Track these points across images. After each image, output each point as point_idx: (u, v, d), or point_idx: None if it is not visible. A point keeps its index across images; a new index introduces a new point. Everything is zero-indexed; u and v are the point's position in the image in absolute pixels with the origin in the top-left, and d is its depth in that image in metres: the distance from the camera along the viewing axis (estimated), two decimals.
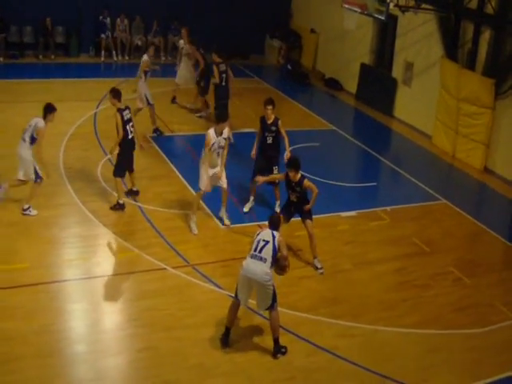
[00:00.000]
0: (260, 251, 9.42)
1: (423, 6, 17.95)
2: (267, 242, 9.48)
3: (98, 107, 18.99)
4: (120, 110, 13.09)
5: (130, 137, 13.17)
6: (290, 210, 12.26)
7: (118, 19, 24.38)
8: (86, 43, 24.22)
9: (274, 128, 13.48)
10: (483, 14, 17.73)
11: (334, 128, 19.94)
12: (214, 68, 17.37)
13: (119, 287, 11.19)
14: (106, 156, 15.57)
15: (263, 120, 13.58)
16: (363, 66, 23.34)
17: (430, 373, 9.76)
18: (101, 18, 24.11)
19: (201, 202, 13.52)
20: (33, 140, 12.42)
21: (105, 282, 11.20)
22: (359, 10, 18.15)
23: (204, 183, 12.72)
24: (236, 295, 9.66)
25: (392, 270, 12.46)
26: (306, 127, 19.48)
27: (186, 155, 16.78)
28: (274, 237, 9.52)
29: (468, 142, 18.35)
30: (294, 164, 11.80)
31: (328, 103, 23.09)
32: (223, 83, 17.43)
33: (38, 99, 18.27)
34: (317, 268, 12.08)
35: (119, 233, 12.48)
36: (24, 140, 12.48)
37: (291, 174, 11.78)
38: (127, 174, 13.67)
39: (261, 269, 9.31)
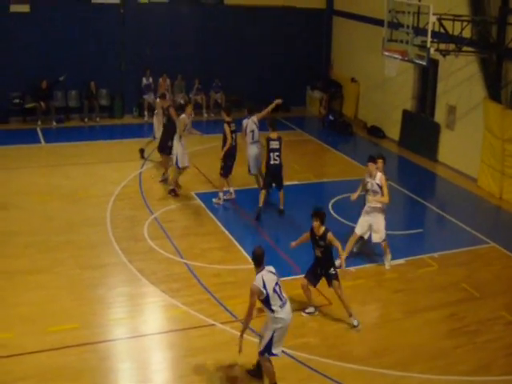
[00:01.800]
0: (282, 294, 9.71)
1: (464, 48, 17.93)
2: (277, 283, 9.72)
3: (142, 167, 19.29)
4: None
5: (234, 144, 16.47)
6: (317, 272, 11.92)
7: (161, 79, 24.87)
8: (130, 104, 24.74)
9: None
10: None
11: None
12: (226, 127, 16.46)
13: (167, 345, 11.20)
14: (151, 215, 15.79)
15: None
16: (405, 113, 23.35)
17: None
18: (143, 78, 24.64)
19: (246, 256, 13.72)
20: None
21: (153, 340, 11.28)
22: (400, 57, 18.17)
23: None
24: (271, 352, 9.67)
25: (443, 316, 12.25)
26: (351, 177, 19.42)
27: (229, 210, 16.88)
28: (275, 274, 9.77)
29: None
30: (318, 214, 11.50)
31: (371, 152, 23.06)
32: (233, 143, 16.76)
33: (84, 161, 18.84)
34: (354, 326, 11.77)
35: (167, 290, 12.54)
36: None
37: (316, 225, 11.45)
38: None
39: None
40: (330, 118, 25.63)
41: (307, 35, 27.48)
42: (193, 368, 10.35)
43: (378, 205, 13.58)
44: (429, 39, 16.81)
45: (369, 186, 13.47)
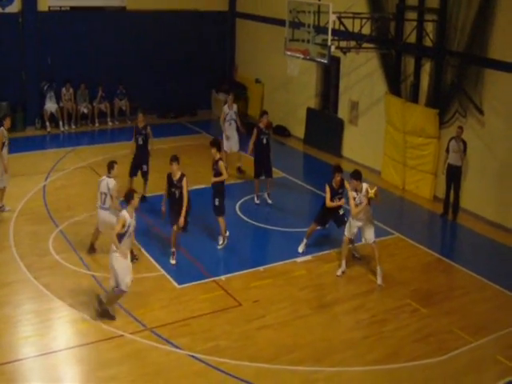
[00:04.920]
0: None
1: (364, 45, 18.30)
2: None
3: (46, 179, 18.92)
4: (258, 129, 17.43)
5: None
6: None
7: (64, 89, 24.36)
8: (31, 116, 24.19)
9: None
10: (422, 46, 18.26)
11: (285, 175, 20.05)
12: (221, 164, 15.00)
13: (78, 359, 10.99)
14: (57, 228, 15.52)
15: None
16: (309, 110, 23.67)
17: None
18: (45, 88, 24.12)
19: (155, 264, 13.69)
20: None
21: (63, 356, 11.04)
22: (302, 56, 18.35)
23: None
24: None
25: (350, 309, 12.55)
26: None
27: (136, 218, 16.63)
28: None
29: (416, 173, 18.68)
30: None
31: (277, 151, 23.25)
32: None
33: None
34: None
35: (75, 304, 12.32)
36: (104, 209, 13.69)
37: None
38: None
39: None
40: None
41: (211, 38, 27.45)
42: (104, 381, 10.22)
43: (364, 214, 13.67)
44: (329, 37, 17.08)
45: (357, 200, 13.54)
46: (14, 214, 16.22)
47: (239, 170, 19.96)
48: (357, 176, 13.54)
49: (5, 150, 16.36)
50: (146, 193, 17.32)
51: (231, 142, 19.68)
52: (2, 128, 16.43)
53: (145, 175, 17.34)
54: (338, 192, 14.23)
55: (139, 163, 17.22)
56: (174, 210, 13.85)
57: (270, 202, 17.68)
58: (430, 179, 18.24)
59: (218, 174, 14.50)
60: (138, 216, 16.14)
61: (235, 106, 20.03)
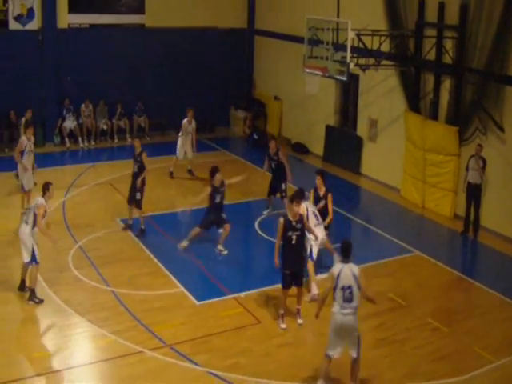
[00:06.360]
0: (350, 301, 9.83)
1: (383, 62, 18.31)
2: (351, 288, 9.82)
3: (66, 195, 19.00)
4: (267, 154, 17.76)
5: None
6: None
7: (83, 105, 24.58)
8: (50, 132, 24.32)
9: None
10: (442, 64, 18.21)
11: None
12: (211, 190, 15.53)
13: (98, 375, 10.98)
14: (76, 244, 15.56)
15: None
16: (328, 128, 23.67)
17: None
18: (64, 105, 24.29)
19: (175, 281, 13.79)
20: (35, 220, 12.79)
21: (83, 372, 11.02)
22: (320, 73, 18.39)
23: None
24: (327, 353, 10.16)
25: (371, 327, 12.39)
26: None
27: (156, 235, 16.71)
28: (355, 278, 9.84)
29: (436, 190, 18.56)
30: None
31: (296, 168, 23.27)
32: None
33: (4, 193, 18.46)
34: None
35: (94, 320, 12.32)
36: (26, 222, 12.85)
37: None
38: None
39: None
40: (255, 136, 25.74)
41: (229, 55, 27.66)
42: None
43: None
44: (348, 55, 17.14)
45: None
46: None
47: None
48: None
49: (26, 157, 16.91)
50: (142, 224, 16.55)
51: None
52: (23, 137, 16.72)
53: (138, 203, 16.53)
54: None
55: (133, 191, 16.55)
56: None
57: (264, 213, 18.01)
58: (450, 197, 18.13)
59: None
60: (158, 233, 16.33)
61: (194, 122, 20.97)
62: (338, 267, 9.99)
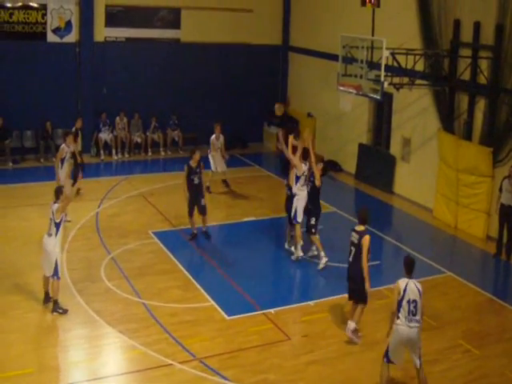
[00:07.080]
0: (415, 314, 10.21)
1: (417, 81, 18.27)
2: (416, 302, 10.22)
3: (99, 206, 19.20)
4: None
5: None
6: None
7: (118, 118, 24.88)
8: (87, 144, 24.57)
9: None
10: (477, 84, 18.11)
11: (335, 209, 20.02)
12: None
13: None
14: (108, 255, 15.70)
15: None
16: (361, 146, 23.64)
17: None
18: (100, 118, 24.59)
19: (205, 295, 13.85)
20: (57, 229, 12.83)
21: (112, 383, 11.09)
22: (354, 92, 18.39)
23: None
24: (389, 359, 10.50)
25: None
26: None
27: (188, 248, 16.82)
28: (420, 293, 10.26)
29: (469, 211, 18.41)
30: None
31: (328, 185, 23.25)
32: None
33: (40, 203, 18.63)
34: None
35: (124, 331, 12.41)
36: (49, 235, 12.86)
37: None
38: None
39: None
40: None
41: (264, 71, 27.82)
42: None
43: None
44: (382, 73, 17.09)
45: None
46: (68, 239, 16.44)
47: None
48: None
49: (66, 164, 17.21)
50: (204, 228, 17.36)
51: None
52: (63, 144, 16.95)
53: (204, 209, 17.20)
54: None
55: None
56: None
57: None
58: (483, 218, 17.97)
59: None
60: (190, 246, 16.43)
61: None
62: (404, 281, 10.35)
